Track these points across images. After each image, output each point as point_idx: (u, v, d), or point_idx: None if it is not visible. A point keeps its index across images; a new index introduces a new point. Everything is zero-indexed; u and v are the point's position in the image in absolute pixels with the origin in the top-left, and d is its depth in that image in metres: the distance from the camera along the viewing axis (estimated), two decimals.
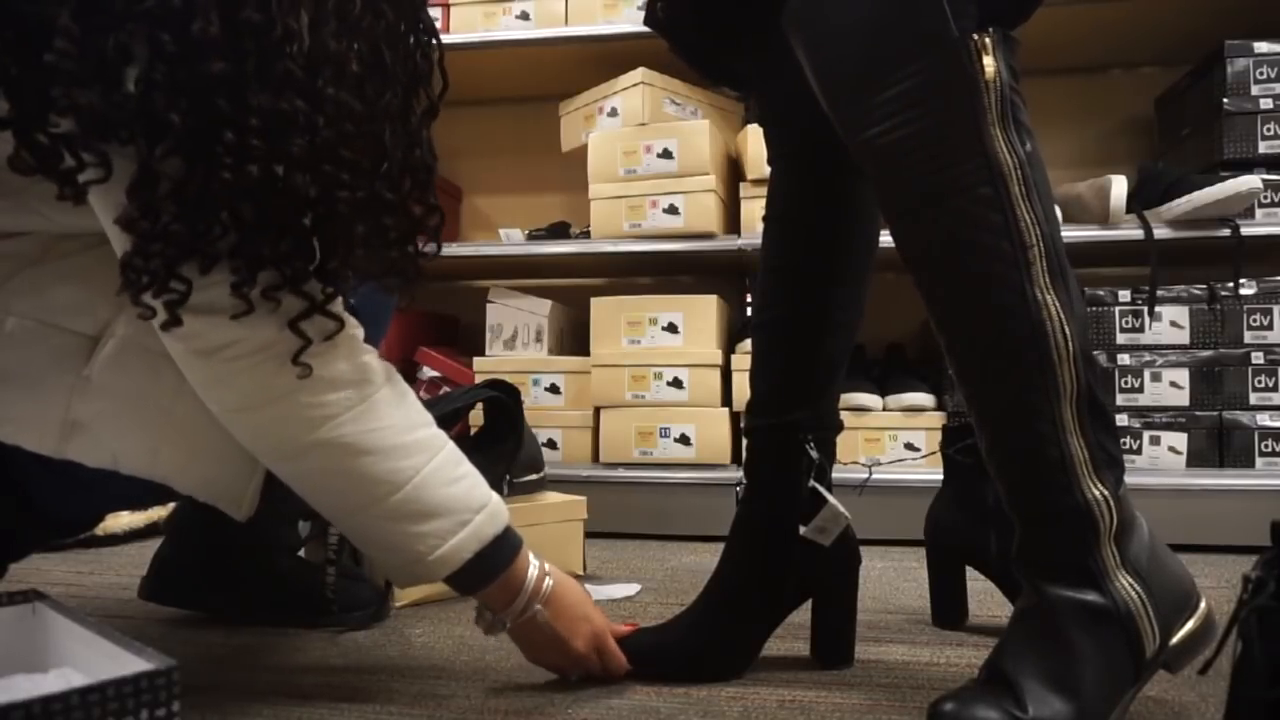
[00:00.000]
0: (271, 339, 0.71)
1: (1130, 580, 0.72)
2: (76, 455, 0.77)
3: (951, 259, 0.74)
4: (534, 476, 1.49)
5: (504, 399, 1.44)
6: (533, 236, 2.20)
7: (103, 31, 0.61)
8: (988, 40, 0.72)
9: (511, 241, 2.19)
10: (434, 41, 0.78)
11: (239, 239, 0.66)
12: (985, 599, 1.22)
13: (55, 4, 0.61)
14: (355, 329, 0.78)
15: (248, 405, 0.74)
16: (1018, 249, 0.72)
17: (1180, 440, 1.78)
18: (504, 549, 0.83)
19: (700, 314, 1.94)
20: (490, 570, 0.83)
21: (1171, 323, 1.82)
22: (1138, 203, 1.83)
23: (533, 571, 0.85)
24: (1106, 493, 0.72)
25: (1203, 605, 0.77)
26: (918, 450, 1.84)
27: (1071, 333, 0.72)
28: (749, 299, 2.32)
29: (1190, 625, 0.76)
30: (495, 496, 0.84)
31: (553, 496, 1.49)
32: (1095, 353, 1.79)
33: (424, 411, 0.82)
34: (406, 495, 0.78)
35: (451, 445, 0.83)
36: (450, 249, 2.10)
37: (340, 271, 0.73)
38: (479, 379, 1.84)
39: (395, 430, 0.78)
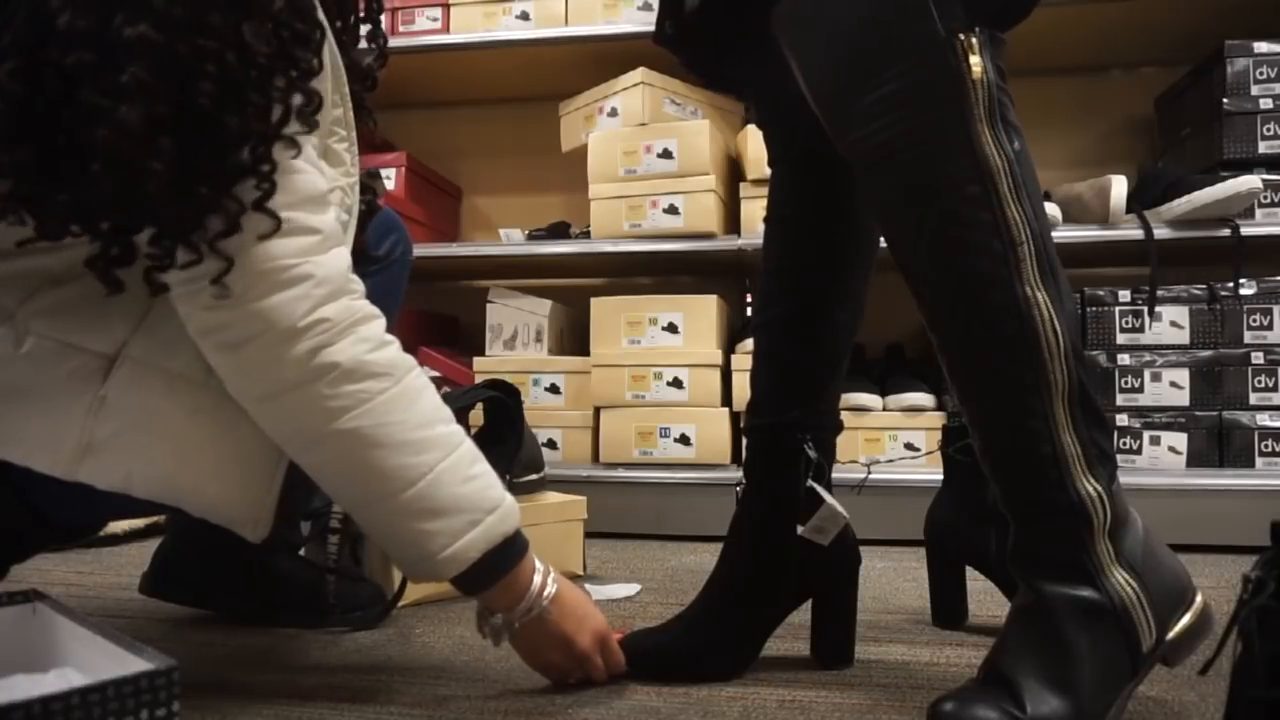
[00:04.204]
0: (292, 332, 0.73)
1: (1125, 575, 0.73)
2: (88, 478, 0.76)
3: (942, 258, 0.74)
4: (534, 476, 1.48)
5: (504, 399, 1.44)
6: (533, 236, 2.20)
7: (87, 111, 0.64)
8: (974, 40, 0.72)
9: (511, 241, 2.19)
10: None
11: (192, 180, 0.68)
12: (985, 599, 1.22)
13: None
14: (378, 320, 0.79)
15: (269, 394, 0.76)
16: (1007, 247, 0.72)
17: (1180, 440, 1.78)
18: (511, 551, 0.83)
19: (700, 314, 1.94)
20: (496, 572, 0.82)
21: (1171, 323, 1.82)
22: (1138, 203, 1.83)
23: (538, 577, 0.85)
24: (1099, 488, 0.72)
25: (1199, 599, 0.77)
26: (918, 450, 1.84)
27: (1062, 329, 0.72)
28: (749, 299, 2.32)
29: (1186, 619, 0.76)
30: (508, 498, 0.83)
31: (553, 496, 1.49)
32: (1095, 353, 1.81)
33: (443, 408, 0.82)
34: (418, 492, 0.78)
35: (468, 444, 0.82)
36: (450, 249, 2.11)
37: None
38: (479, 379, 1.84)
39: (410, 426, 0.78)
